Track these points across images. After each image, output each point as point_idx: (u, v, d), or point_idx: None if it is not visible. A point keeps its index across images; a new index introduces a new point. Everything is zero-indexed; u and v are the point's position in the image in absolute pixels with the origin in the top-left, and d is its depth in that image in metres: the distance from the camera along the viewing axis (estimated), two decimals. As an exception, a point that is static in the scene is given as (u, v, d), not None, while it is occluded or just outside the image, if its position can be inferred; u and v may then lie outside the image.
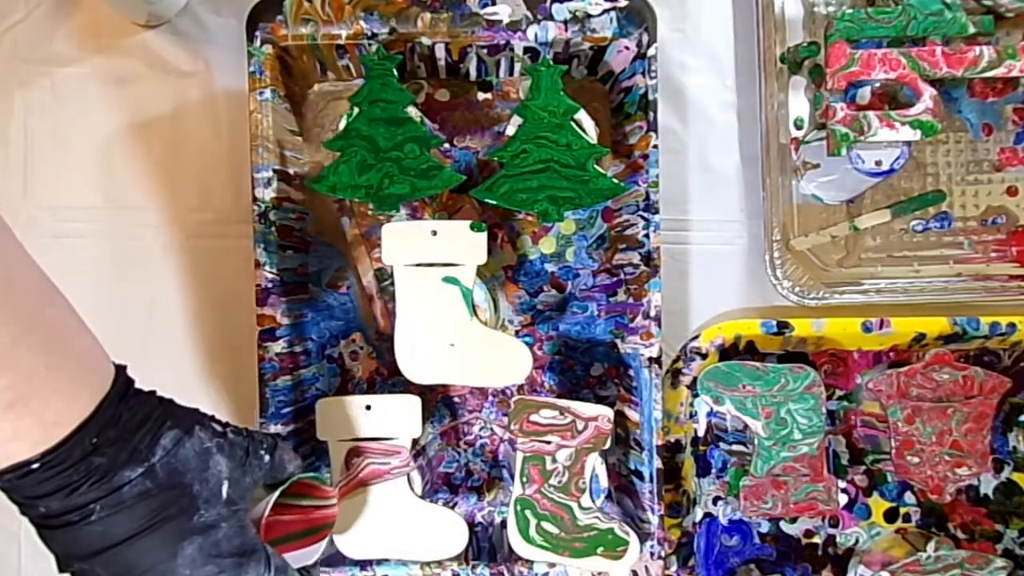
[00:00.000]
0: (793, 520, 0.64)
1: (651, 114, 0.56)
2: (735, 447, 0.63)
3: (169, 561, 0.39)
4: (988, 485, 0.64)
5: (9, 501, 0.38)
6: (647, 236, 0.57)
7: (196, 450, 0.41)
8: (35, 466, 0.36)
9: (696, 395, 0.61)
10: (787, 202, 0.62)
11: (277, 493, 0.46)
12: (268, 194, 0.56)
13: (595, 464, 0.55)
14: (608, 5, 0.56)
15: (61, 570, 0.39)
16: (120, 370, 0.40)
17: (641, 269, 0.58)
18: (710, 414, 0.63)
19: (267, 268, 0.56)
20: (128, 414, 0.39)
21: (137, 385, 0.41)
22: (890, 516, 0.64)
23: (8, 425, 0.35)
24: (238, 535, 0.41)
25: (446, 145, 0.62)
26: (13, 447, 0.35)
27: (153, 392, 0.42)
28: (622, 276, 0.62)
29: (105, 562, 0.38)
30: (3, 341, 0.34)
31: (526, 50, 0.58)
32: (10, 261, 0.36)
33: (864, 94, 0.57)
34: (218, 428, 0.43)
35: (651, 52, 0.56)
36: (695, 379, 0.60)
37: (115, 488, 0.37)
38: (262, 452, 0.44)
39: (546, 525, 0.54)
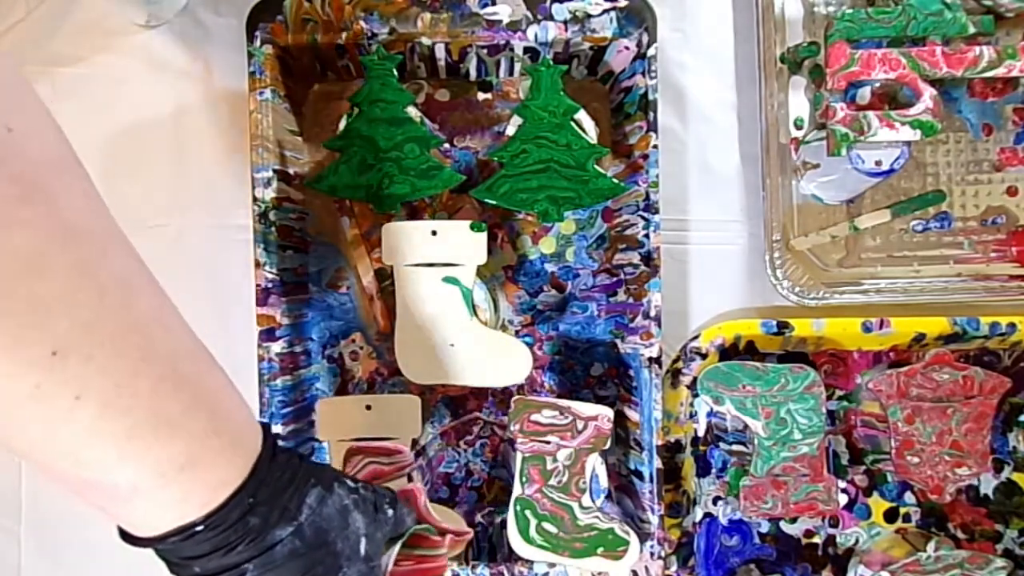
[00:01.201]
0: (793, 520, 0.64)
1: (651, 114, 0.56)
2: (735, 447, 0.63)
3: None
4: (988, 485, 0.64)
5: (162, 561, 0.38)
6: (647, 236, 0.57)
7: (337, 507, 0.41)
8: (199, 528, 0.36)
9: (696, 395, 0.61)
10: (787, 202, 0.62)
11: (399, 545, 0.46)
12: (268, 194, 0.56)
13: (595, 464, 0.55)
14: (608, 5, 0.56)
15: None
16: (267, 429, 0.41)
17: (641, 269, 0.58)
18: (710, 414, 0.63)
19: (267, 268, 0.56)
20: (278, 473, 0.39)
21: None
22: (890, 516, 0.64)
23: (179, 488, 0.35)
24: None
25: (446, 145, 0.62)
26: (182, 509, 0.36)
27: (294, 450, 0.42)
28: (622, 276, 0.62)
29: None
30: (176, 408, 0.35)
31: (526, 50, 0.58)
32: (175, 329, 0.37)
33: (864, 94, 0.57)
34: (352, 485, 0.43)
35: (651, 52, 0.56)
36: (695, 379, 0.60)
37: (268, 547, 0.38)
38: (386, 506, 0.45)
39: (546, 525, 0.54)
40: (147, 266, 0.37)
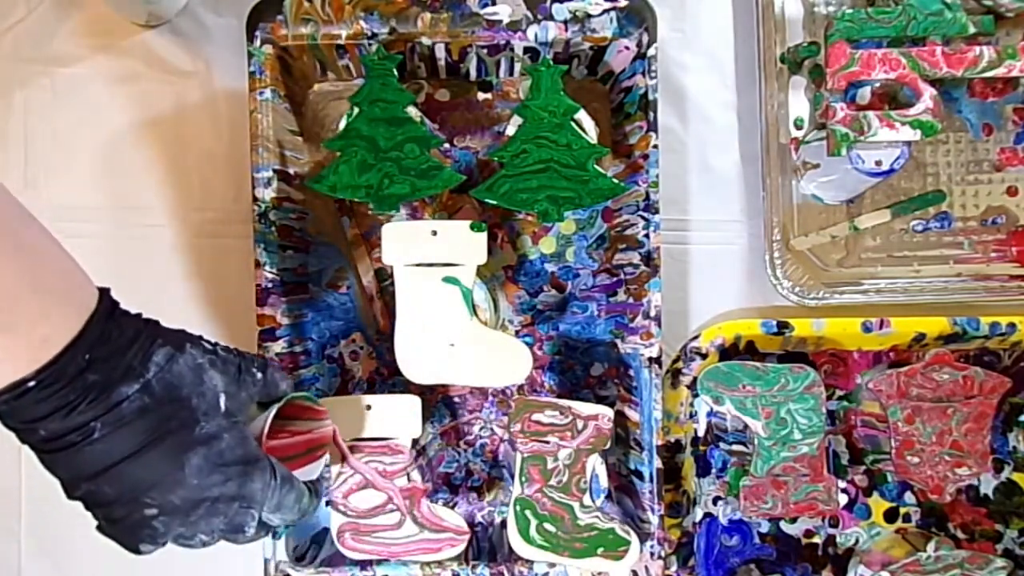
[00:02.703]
0: (793, 520, 0.64)
1: (651, 114, 0.56)
2: (735, 447, 0.63)
3: (176, 472, 0.39)
4: (988, 485, 0.64)
5: (6, 427, 0.38)
6: (647, 236, 0.57)
7: (190, 365, 0.41)
8: (31, 384, 0.36)
9: (696, 395, 0.61)
10: (787, 202, 0.62)
11: (275, 409, 0.46)
12: (268, 194, 0.56)
13: (595, 464, 0.55)
14: (608, 5, 0.56)
15: (69, 495, 0.39)
16: (104, 291, 0.40)
17: (641, 269, 0.58)
18: (710, 414, 0.63)
19: (267, 268, 0.56)
20: (117, 332, 0.39)
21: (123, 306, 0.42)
22: (890, 516, 0.64)
23: None
24: (240, 445, 0.42)
25: (446, 145, 0.62)
26: (6, 367, 0.36)
27: (139, 313, 0.42)
28: (622, 276, 0.62)
29: (111, 480, 0.38)
30: None
31: (526, 50, 0.58)
32: None
33: (864, 94, 0.57)
34: (208, 346, 0.43)
35: (651, 52, 0.56)
36: (695, 379, 0.60)
37: (113, 405, 0.38)
38: (254, 369, 0.45)
39: (546, 525, 0.54)
40: None
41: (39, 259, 0.38)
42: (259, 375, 0.45)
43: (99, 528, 0.40)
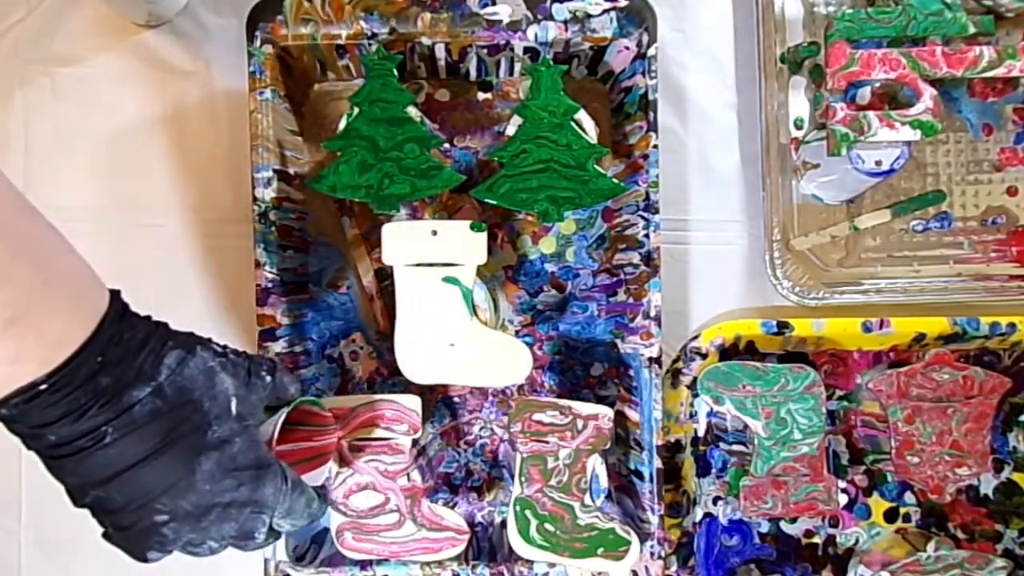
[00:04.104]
0: (793, 520, 0.64)
1: (651, 114, 0.56)
2: (735, 447, 0.63)
3: (188, 477, 0.38)
4: (988, 485, 0.64)
5: (12, 433, 0.37)
6: (647, 236, 0.57)
7: (201, 368, 0.40)
8: (43, 387, 0.35)
9: (696, 395, 0.61)
10: (787, 202, 0.62)
11: (284, 413, 0.46)
12: (268, 194, 0.56)
13: (595, 464, 0.55)
14: (608, 5, 0.56)
15: (76, 502, 0.38)
16: (115, 293, 0.40)
17: (641, 269, 0.58)
18: (710, 414, 0.63)
19: (267, 268, 0.56)
20: (129, 334, 0.38)
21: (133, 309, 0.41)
22: (890, 516, 0.64)
23: (11, 344, 0.34)
24: (252, 449, 0.41)
25: (446, 145, 0.62)
26: (18, 369, 0.34)
27: (149, 316, 0.41)
28: (622, 276, 0.62)
29: (122, 486, 0.37)
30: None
31: (526, 50, 0.58)
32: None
33: (864, 94, 0.57)
34: (218, 349, 0.43)
35: (651, 52, 0.56)
36: (695, 379, 0.60)
37: (125, 408, 0.37)
38: (263, 373, 0.44)
39: (546, 525, 0.54)
40: None
41: (53, 257, 0.37)
42: (268, 378, 0.44)
43: (106, 536, 0.40)
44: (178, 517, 0.39)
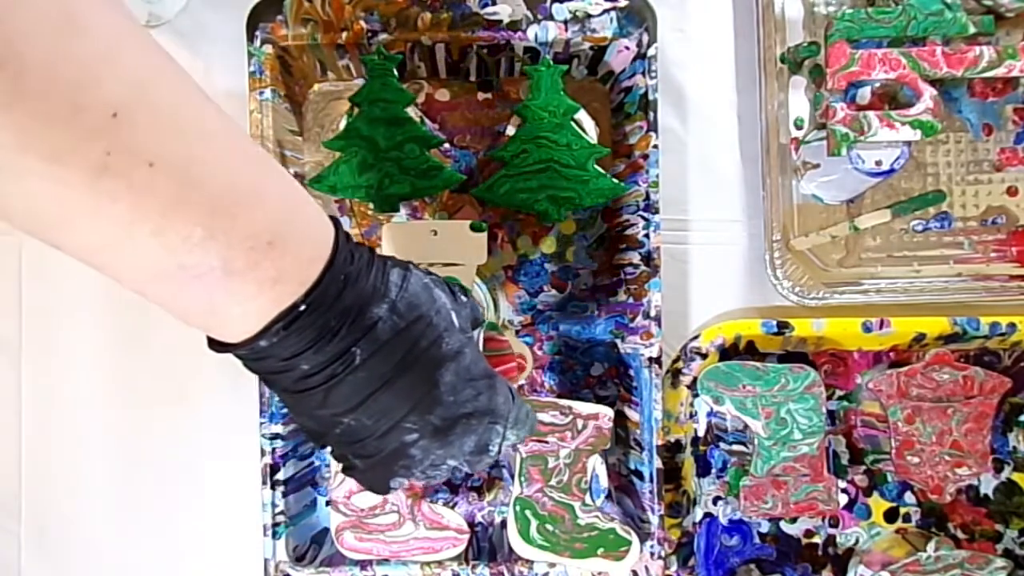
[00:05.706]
0: (793, 520, 0.64)
1: (651, 114, 0.56)
2: (735, 447, 0.63)
3: (433, 391, 0.37)
4: (988, 485, 0.64)
5: (258, 373, 0.36)
6: (647, 236, 0.57)
7: (420, 285, 0.39)
8: (302, 307, 0.33)
9: (696, 395, 0.61)
10: (787, 202, 0.62)
11: (482, 329, 0.45)
12: (268, 194, 0.56)
13: (595, 464, 0.55)
14: (608, 5, 0.56)
15: (320, 442, 0.38)
16: (333, 218, 0.39)
17: (641, 269, 0.58)
18: (710, 414, 0.63)
19: (267, 268, 0.56)
20: (358, 252, 0.37)
21: None
22: (890, 516, 0.64)
23: (272, 264, 0.32)
24: (479, 359, 0.40)
25: (446, 145, 0.62)
26: (280, 291, 0.33)
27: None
28: (622, 276, 0.62)
29: (371, 409, 0.36)
30: (248, 180, 0.32)
31: (526, 50, 0.58)
32: (222, 112, 0.34)
33: (864, 94, 0.57)
34: (422, 270, 0.41)
35: (651, 52, 0.56)
36: (695, 379, 0.60)
37: (369, 327, 0.35)
38: (458, 292, 0.43)
39: (546, 525, 0.54)
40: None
41: (287, 176, 0.36)
42: (464, 298, 0.43)
43: (346, 470, 0.39)
44: (426, 434, 0.38)
